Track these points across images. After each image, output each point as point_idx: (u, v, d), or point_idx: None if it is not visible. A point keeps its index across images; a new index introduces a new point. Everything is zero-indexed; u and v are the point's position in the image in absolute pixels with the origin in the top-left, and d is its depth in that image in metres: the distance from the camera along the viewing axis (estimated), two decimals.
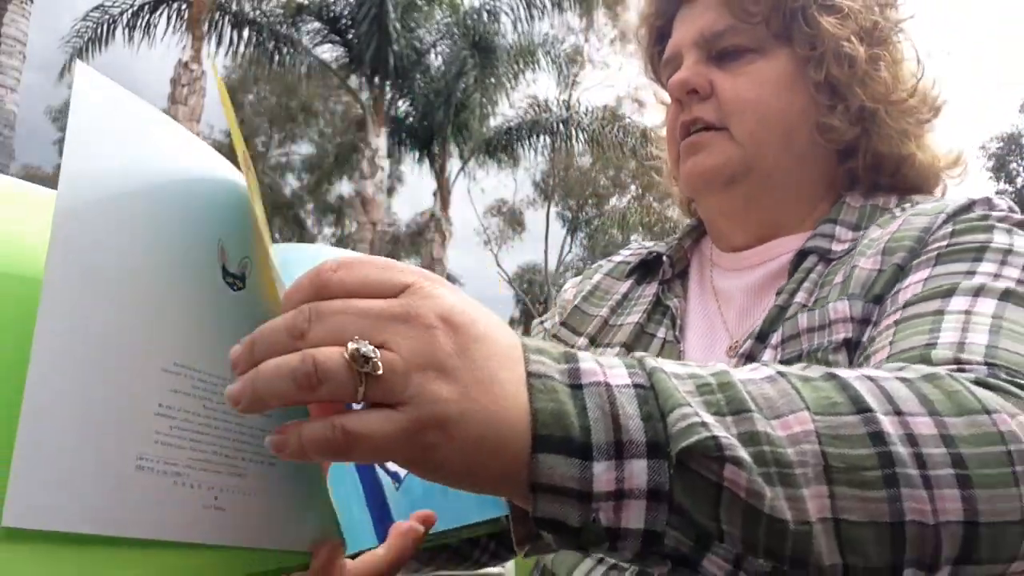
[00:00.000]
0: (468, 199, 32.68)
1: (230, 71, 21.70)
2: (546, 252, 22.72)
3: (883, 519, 0.43)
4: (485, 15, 14.18)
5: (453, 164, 15.98)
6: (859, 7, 0.84)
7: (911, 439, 0.45)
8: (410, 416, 0.40)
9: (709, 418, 0.43)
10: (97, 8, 13.05)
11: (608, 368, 0.44)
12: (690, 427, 0.42)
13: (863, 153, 0.85)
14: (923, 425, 0.46)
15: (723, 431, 0.42)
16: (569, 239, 23.14)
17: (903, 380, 0.48)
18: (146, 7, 13.00)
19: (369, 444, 0.40)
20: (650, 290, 0.92)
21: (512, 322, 28.15)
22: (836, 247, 0.80)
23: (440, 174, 15.58)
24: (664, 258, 0.93)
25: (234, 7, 13.52)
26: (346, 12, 14.01)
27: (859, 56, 0.82)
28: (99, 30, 13.09)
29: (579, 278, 1.03)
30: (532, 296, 25.12)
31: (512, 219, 23.79)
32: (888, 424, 0.45)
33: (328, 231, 25.39)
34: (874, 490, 0.43)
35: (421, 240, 18.33)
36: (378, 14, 13.16)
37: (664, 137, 0.97)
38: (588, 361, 0.44)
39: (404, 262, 0.45)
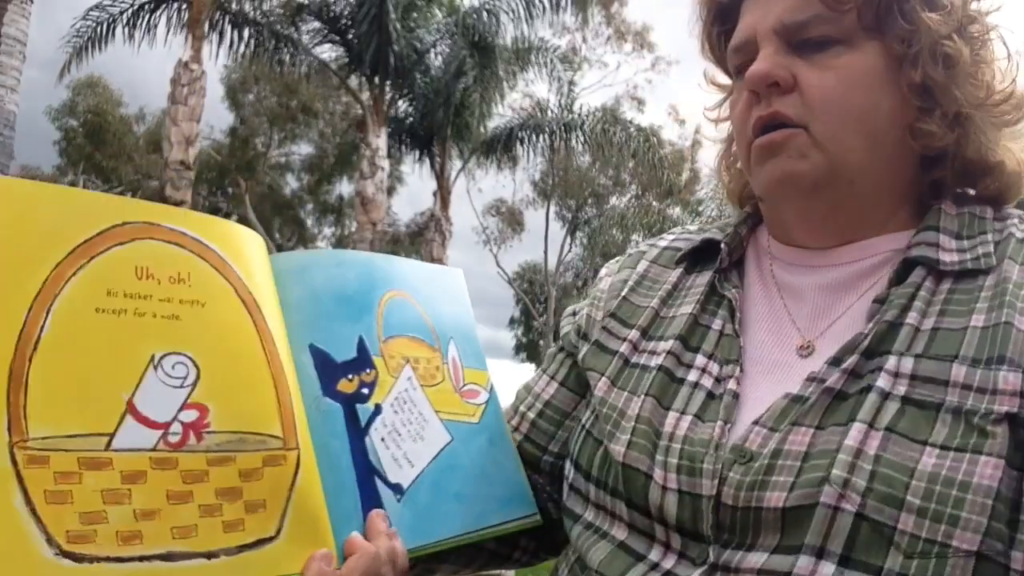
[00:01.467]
0: (468, 199, 32.68)
1: (230, 71, 21.70)
2: (546, 252, 22.72)
3: None
4: (485, 15, 14.18)
5: (453, 164, 15.99)
6: (960, 1, 0.76)
7: None
8: None
9: None
10: (97, 7, 13.04)
11: None
12: None
13: (952, 159, 0.78)
14: None
15: None
16: (569, 239, 23.15)
17: None
18: (146, 6, 13.00)
19: None
20: (702, 279, 0.87)
21: (512, 322, 28.14)
22: (945, 257, 0.74)
23: (440, 174, 15.58)
24: (722, 246, 0.87)
25: (234, 7, 13.52)
26: (346, 12, 14.00)
27: (962, 57, 0.75)
28: (99, 29, 13.08)
29: (615, 264, 0.98)
30: (532, 296, 25.11)
31: (512, 219, 23.79)
32: None
33: (328, 231, 25.40)
34: None
35: (421, 240, 18.32)
36: (378, 14, 13.14)
37: (713, 121, 0.92)
38: None
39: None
